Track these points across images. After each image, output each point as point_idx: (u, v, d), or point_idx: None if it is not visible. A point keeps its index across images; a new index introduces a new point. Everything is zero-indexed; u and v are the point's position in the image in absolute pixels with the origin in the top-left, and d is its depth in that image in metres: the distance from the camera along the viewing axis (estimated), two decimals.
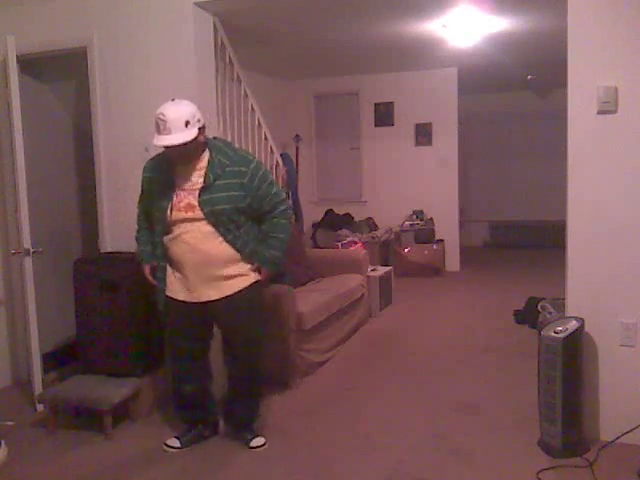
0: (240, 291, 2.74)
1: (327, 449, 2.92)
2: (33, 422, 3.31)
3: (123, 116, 3.58)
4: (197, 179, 2.65)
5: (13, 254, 3.47)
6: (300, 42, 5.56)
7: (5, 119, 3.57)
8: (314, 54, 6.24)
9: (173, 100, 2.58)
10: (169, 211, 2.65)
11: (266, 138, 4.89)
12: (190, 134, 2.53)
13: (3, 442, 2.41)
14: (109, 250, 3.65)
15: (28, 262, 3.33)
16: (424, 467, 2.73)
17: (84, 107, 3.80)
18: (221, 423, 3.11)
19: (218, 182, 2.63)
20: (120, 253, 3.49)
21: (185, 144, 2.53)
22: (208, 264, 2.68)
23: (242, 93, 4.42)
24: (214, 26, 3.72)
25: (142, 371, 3.31)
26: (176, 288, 2.77)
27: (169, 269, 2.79)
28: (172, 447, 2.93)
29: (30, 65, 3.92)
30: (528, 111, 8.70)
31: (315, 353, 4.03)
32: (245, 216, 2.70)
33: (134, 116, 3.54)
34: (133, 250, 3.48)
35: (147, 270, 2.89)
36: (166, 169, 2.71)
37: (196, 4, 3.41)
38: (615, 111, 2.73)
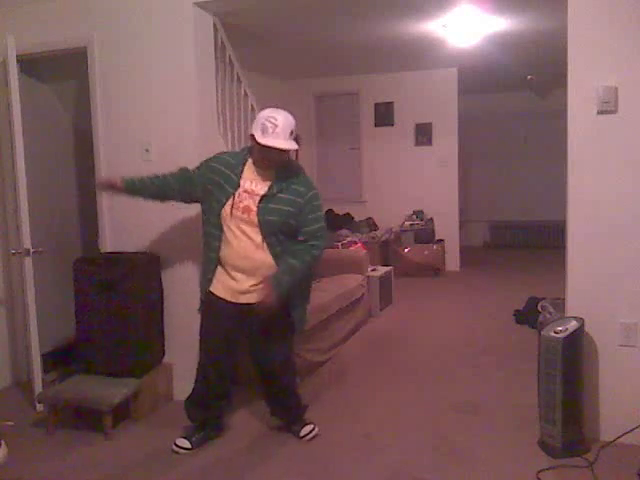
0: None
1: (327, 449, 2.93)
2: (33, 422, 3.31)
3: (123, 116, 3.57)
4: (262, 186, 2.73)
5: (13, 254, 3.47)
6: (300, 42, 5.56)
7: (5, 119, 3.57)
8: (314, 54, 6.24)
9: (274, 108, 2.69)
10: (229, 208, 2.70)
11: None
12: (293, 144, 2.68)
13: (3, 442, 2.41)
14: (109, 250, 3.65)
15: (28, 262, 3.33)
16: (424, 467, 2.74)
17: (84, 107, 3.79)
18: (225, 424, 3.12)
19: (280, 195, 2.71)
20: (120, 253, 3.49)
21: (286, 151, 2.68)
22: (256, 272, 2.75)
23: (242, 93, 4.41)
24: (214, 26, 3.71)
25: (142, 371, 3.31)
26: (221, 287, 2.82)
27: (219, 269, 2.82)
28: (182, 448, 2.92)
29: (30, 65, 3.91)
30: (528, 111, 8.70)
31: (315, 353, 4.03)
32: (287, 235, 2.75)
33: (134, 116, 3.54)
34: (133, 250, 3.50)
35: (113, 179, 2.92)
36: (234, 167, 2.77)
37: (196, 4, 3.41)
38: (615, 111, 2.73)
